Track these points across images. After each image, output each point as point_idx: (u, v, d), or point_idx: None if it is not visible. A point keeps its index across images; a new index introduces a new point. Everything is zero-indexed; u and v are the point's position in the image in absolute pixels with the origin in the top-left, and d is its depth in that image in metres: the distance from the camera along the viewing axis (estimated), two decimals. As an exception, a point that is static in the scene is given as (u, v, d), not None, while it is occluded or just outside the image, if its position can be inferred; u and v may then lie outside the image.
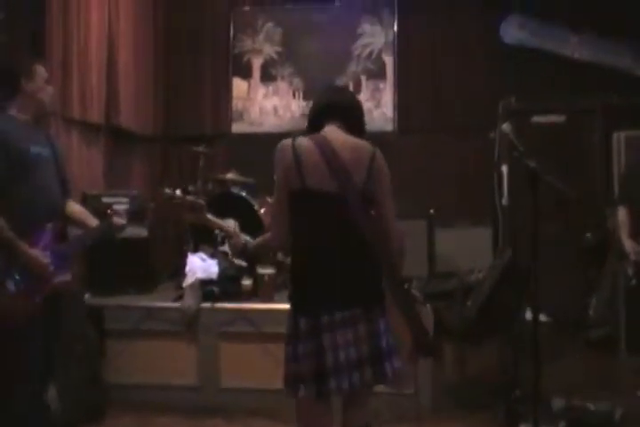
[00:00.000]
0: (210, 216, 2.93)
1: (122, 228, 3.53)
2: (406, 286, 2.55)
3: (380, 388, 2.60)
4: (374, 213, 2.51)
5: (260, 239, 2.71)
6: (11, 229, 3.05)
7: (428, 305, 2.66)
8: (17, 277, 3.07)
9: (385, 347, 2.43)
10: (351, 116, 2.65)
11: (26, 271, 3.09)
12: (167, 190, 3.02)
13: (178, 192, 3.02)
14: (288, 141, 2.50)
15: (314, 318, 2.39)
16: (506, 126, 3.75)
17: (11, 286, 3.06)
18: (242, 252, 2.89)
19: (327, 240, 2.45)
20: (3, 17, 4.45)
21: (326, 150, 2.45)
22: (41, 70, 3.34)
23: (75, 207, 3.55)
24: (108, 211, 3.58)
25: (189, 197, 3.01)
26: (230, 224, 3.05)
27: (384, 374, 2.42)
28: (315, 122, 2.64)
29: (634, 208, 4.15)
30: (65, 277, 3.26)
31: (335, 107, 2.64)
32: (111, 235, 3.55)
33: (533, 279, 3.42)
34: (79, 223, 3.47)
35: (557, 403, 3.93)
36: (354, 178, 2.44)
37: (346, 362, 2.37)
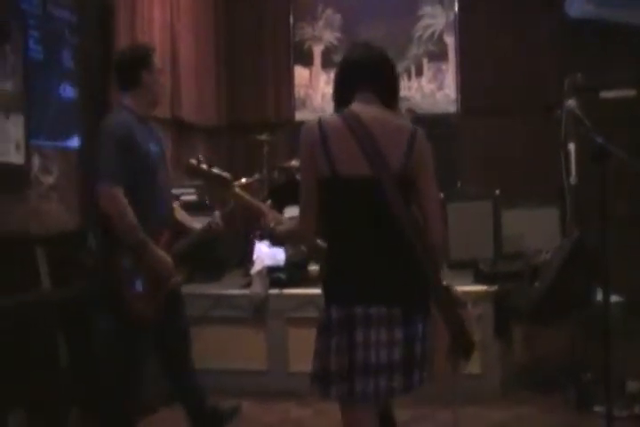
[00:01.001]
0: (238, 191, 2.76)
1: (220, 230, 3.53)
2: (448, 285, 2.28)
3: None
4: (415, 201, 2.25)
5: (287, 227, 2.52)
6: None
7: (469, 305, 2.37)
8: (144, 278, 3.12)
9: (419, 355, 2.19)
10: (383, 78, 2.33)
11: (151, 272, 3.12)
12: (192, 161, 2.92)
13: (203, 165, 2.89)
14: (314, 121, 2.22)
15: (347, 307, 2.16)
16: (571, 102, 3.69)
17: (139, 286, 3.12)
18: (269, 235, 2.83)
19: (363, 232, 2.21)
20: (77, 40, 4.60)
21: (357, 130, 2.16)
22: (157, 61, 3.29)
23: (180, 211, 3.56)
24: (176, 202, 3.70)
25: (215, 170, 2.86)
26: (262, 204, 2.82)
27: (412, 383, 2.20)
28: (342, 91, 2.33)
29: None
30: (178, 277, 3.30)
31: (363, 68, 2.31)
32: (211, 237, 3.62)
33: (603, 259, 3.31)
34: (183, 226, 3.47)
35: (632, 386, 3.85)
36: (390, 161, 2.16)
37: (376, 364, 2.14)
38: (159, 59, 3.42)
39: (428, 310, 2.20)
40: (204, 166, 2.90)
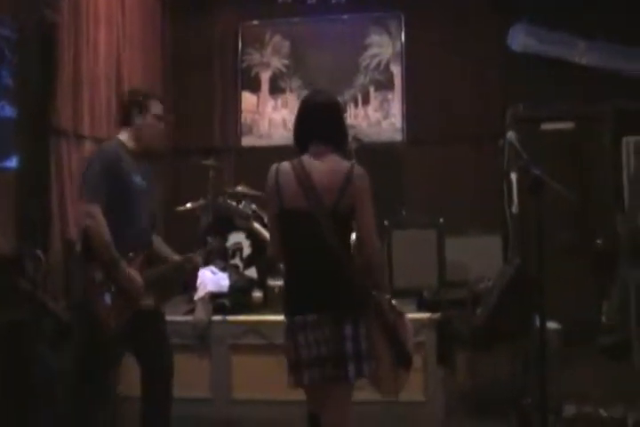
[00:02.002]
0: (254, 224, 3.66)
1: (197, 266, 3.83)
2: (385, 297, 2.78)
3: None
4: (356, 227, 2.76)
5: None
6: None
7: (407, 316, 2.85)
8: (113, 292, 3.28)
9: (350, 350, 2.65)
10: (332, 130, 2.85)
11: (121, 288, 3.28)
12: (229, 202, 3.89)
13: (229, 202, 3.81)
14: (274, 167, 2.80)
15: (291, 317, 2.74)
16: (511, 135, 3.75)
17: (107, 298, 3.27)
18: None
19: (304, 253, 2.73)
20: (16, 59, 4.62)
21: (300, 175, 2.69)
22: (155, 106, 3.51)
23: (159, 241, 3.72)
24: None
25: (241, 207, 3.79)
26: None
27: (345, 374, 2.65)
28: (299, 142, 2.89)
29: None
30: (150, 301, 3.41)
31: (310, 131, 2.84)
32: (186, 271, 3.79)
33: (540, 287, 3.38)
34: (161, 256, 3.65)
35: (569, 410, 3.92)
36: (324, 199, 2.67)
37: (314, 358, 2.68)
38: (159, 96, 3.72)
39: (355, 314, 2.67)
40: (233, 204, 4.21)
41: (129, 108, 3.49)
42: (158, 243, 3.69)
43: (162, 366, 3.64)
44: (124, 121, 3.52)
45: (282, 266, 3.03)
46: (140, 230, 3.44)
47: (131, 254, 3.34)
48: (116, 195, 3.30)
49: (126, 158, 3.42)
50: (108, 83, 5.71)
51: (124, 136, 3.51)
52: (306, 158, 2.77)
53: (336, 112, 2.89)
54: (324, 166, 2.73)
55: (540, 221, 3.36)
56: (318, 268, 2.69)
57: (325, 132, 2.81)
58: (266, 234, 3.68)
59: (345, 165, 2.76)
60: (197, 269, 3.90)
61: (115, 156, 3.38)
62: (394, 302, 2.82)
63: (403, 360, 2.77)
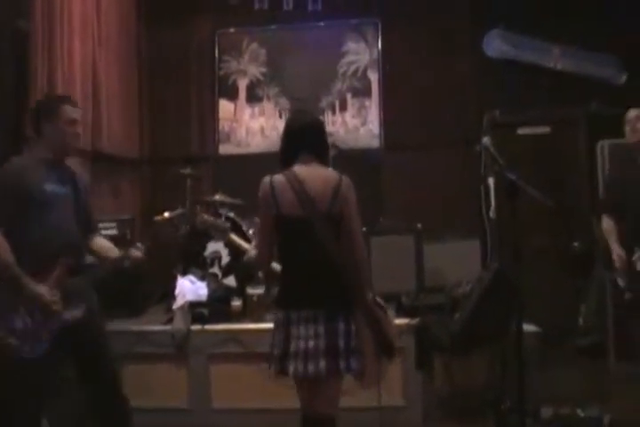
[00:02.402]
0: (232, 236, 3.69)
1: (139, 260, 3.63)
2: (370, 294, 3.01)
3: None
4: (344, 230, 2.98)
5: (250, 258, 3.34)
6: (21, 266, 3.12)
7: (389, 310, 3.16)
8: (23, 313, 3.13)
9: (342, 346, 2.87)
10: (318, 143, 3.12)
11: (34, 308, 3.15)
12: (205, 216, 3.76)
13: (205, 216, 3.77)
14: (267, 179, 3.00)
15: (286, 311, 2.94)
16: (486, 140, 3.77)
17: (18, 322, 3.13)
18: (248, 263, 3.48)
19: (299, 254, 2.98)
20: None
21: (295, 185, 2.94)
22: (66, 112, 3.37)
23: (100, 243, 3.62)
24: None
25: (218, 221, 3.83)
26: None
27: (337, 368, 2.85)
28: (287, 155, 3.10)
29: (616, 216, 4.10)
30: (77, 311, 3.29)
31: (302, 138, 3.09)
32: (125, 267, 3.75)
33: (517, 290, 3.41)
34: (100, 256, 3.59)
35: (546, 412, 3.94)
36: (317, 205, 2.93)
37: (305, 351, 2.85)
38: (80, 98, 3.69)
39: (347, 311, 2.91)
40: (210, 218, 3.78)
41: (37, 118, 3.39)
42: (99, 245, 3.59)
43: (106, 380, 3.48)
44: (35, 131, 3.42)
45: (267, 272, 3.39)
46: (63, 240, 3.29)
47: (61, 260, 3.23)
48: (22, 210, 3.19)
49: (34, 170, 3.29)
50: (84, 92, 5.69)
51: (36, 146, 3.43)
52: (297, 168, 3.01)
53: (321, 130, 3.18)
54: (315, 175, 2.99)
55: (516, 226, 3.38)
56: (313, 268, 2.94)
57: (313, 149, 3.08)
58: (245, 245, 3.65)
59: (334, 174, 3.03)
60: (139, 262, 3.60)
61: (13, 175, 3.25)
62: (377, 298, 3.06)
63: (386, 351, 3.01)
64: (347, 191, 2.99)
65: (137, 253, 3.59)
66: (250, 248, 3.52)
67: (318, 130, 3.16)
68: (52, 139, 3.36)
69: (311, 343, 2.86)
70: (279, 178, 2.99)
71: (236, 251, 5.05)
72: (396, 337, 3.08)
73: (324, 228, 2.92)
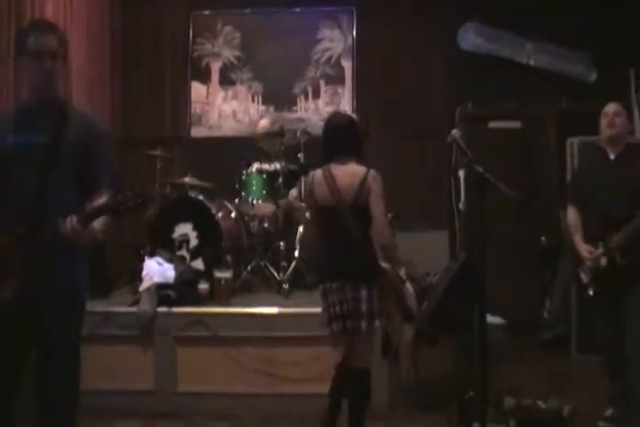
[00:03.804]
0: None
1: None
2: (395, 269, 3.53)
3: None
4: (371, 216, 3.46)
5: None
6: None
7: (409, 283, 3.64)
8: None
9: (364, 311, 3.39)
10: (348, 149, 3.57)
11: None
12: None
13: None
14: (311, 173, 3.61)
15: (323, 284, 3.52)
16: (455, 132, 3.76)
17: None
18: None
19: (331, 237, 3.55)
20: None
21: (328, 179, 3.47)
22: (28, 43, 2.75)
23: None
24: None
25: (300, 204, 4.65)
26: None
27: (359, 327, 3.40)
28: (327, 153, 3.60)
29: (581, 207, 4.11)
30: (5, 290, 2.67)
31: (333, 149, 3.58)
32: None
33: (481, 282, 3.45)
34: None
35: (508, 402, 4.00)
36: (344, 197, 3.43)
37: (340, 313, 3.42)
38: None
39: (369, 282, 3.42)
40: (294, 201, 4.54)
41: (15, 53, 2.86)
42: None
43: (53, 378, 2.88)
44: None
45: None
46: (15, 201, 2.73)
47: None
48: None
49: (5, 119, 2.81)
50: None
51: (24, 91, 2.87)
52: (333, 165, 3.52)
53: (352, 129, 3.60)
54: (345, 172, 3.49)
55: (482, 218, 3.40)
56: (341, 248, 3.47)
57: (346, 146, 3.56)
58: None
59: (362, 169, 3.50)
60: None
61: None
62: (402, 273, 3.59)
63: (406, 316, 3.59)
64: (372, 184, 3.45)
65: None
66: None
67: (351, 132, 3.60)
68: (26, 78, 2.88)
69: (343, 308, 3.41)
70: (319, 173, 3.54)
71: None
72: (414, 305, 3.63)
73: (349, 215, 3.42)
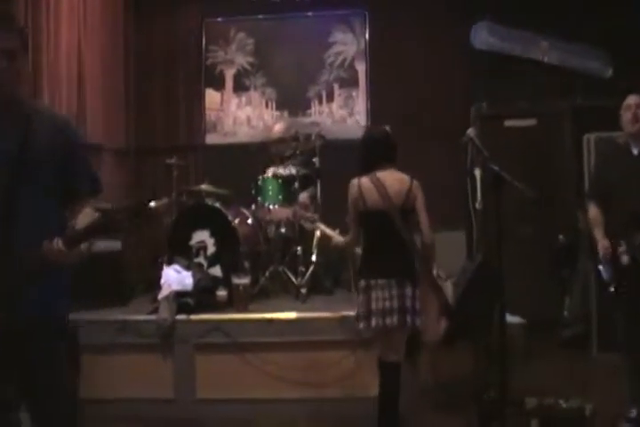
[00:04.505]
0: (320, 225, 4.35)
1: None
2: (434, 270, 3.86)
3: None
4: (415, 220, 3.76)
5: (344, 239, 4.01)
6: None
7: (448, 281, 3.95)
8: None
9: (409, 306, 3.63)
10: (391, 153, 3.87)
11: None
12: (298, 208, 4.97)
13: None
14: (355, 181, 3.77)
15: (367, 280, 3.70)
16: (470, 131, 3.78)
17: None
18: (334, 247, 4.21)
19: (379, 238, 3.76)
20: None
21: (377, 185, 3.71)
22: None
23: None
24: None
25: (308, 213, 4.72)
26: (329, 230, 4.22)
27: (405, 322, 3.62)
28: (367, 164, 3.83)
29: (604, 204, 4.04)
30: None
31: (378, 157, 3.83)
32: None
33: (500, 282, 3.41)
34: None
35: (530, 402, 3.96)
36: (394, 201, 3.70)
37: (382, 309, 3.63)
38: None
39: (413, 280, 3.67)
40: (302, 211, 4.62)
41: None
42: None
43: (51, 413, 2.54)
44: None
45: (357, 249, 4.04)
46: None
47: None
48: None
49: None
50: (69, 81, 5.66)
51: None
52: (379, 173, 3.77)
53: (392, 142, 3.89)
54: (393, 178, 3.77)
55: (499, 217, 3.38)
56: (389, 247, 3.72)
57: (387, 156, 3.84)
58: (331, 233, 4.19)
59: (406, 176, 3.80)
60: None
61: None
62: (440, 272, 3.90)
63: (445, 312, 3.84)
64: (416, 191, 3.78)
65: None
66: (335, 235, 4.14)
67: (389, 142, 3.90)
68: None
69: (387, 303, 3.62)
70: (365, 180, 3.76)
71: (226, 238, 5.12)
72: (450, 303, 3.88)
73: (398, 218, 3.69)
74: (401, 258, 3.75)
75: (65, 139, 2.57)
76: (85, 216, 2.50)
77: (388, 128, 3.99)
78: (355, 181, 3.81)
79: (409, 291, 3.67)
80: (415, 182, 3.82)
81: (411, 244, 3.75)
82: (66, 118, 2.79)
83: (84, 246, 2.37)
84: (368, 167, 3.85)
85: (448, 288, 3.92)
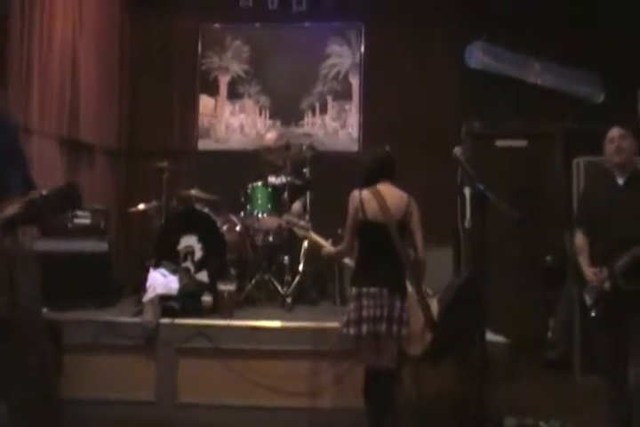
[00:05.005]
0: (312, 233, 4.39)
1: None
2: (423, 286, 3.94)
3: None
4: (409, 238, 3.89)
5: (337, 248, 4.10)
6: None
7: (435, 298, 4.01)
8: None
9: (396, 316, 3.72)
10: (388, 175, 3.98)
11: None
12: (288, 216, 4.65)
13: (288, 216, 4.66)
14: (357, 193, 3.88)
15: (359, 288, 3.79)
16: (457, 150, 3.78)
17: None
18: (327, 256, 4.30)
19: (375, 249, 3.86)
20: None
21: (378, 198, 3.84)
22: None
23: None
24: None
25: (301, 221, 4.57)
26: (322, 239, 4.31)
27: (392, 331, 3.71)
28: (369, 180, 3.96)
29: (589, 231, 4.11)
30: None
31: (379, 174, 3.98)
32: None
33: (482, 300, 3.45)
34: None
35: (509, 422, 3.98)
36: (393, 214, 3.82)
37: (373, 316, 3.71)
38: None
39: (403, 293, 3.79)
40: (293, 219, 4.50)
41: None
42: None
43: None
44: None
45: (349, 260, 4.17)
46: None
47: None
48: None
49: None
50: (62, 77, 5.65)
51: None
52: (380, 187, 3.91)
53: (392, 161, 4.06)
54: (392, 193, 3.91)
55: (483, 235, 3.41)
56: (383, 259, 3.81)
57: (388, 175, 3.97)
58: (322, 242, 4.27)
59: (404, 194, 3.94)
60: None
61: None
62: (427, 289, 3.98)
63: (430, 326, 3.87)
64: (413, 207, 3.92)
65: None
66: (326, 244, 4.24)
67: (390, 162, 4.06)
68: None
69: (377, 311, 3.71)
70: (366, 193, 3.89)
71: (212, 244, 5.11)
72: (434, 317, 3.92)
73: (395, 231, 3.81)
74: (393, 270, 3.85)
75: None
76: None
77: (388, 148, 4.15)
78: (356, 193, 3.93)
79: (398, 302, 3.76)
80: (412, 199, 3.97)
81: (405, 258, 3.85)
82: None
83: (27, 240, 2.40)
84: (369, 182, 3.99)
85: (434, 305, 3.98)
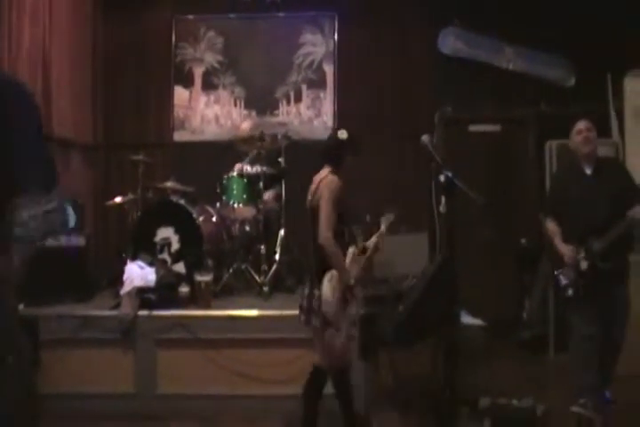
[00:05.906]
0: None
1: None
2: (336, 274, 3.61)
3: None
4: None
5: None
6: None
7: (358, 288, 3.80)
8: None
9: (315, 306, 3.56)
10: (327, 160, 3.82)
11: None
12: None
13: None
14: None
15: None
16: (425, 138, 3.79)
17: None
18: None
19: (311, 236, 3.68)
20: None
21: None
22: None
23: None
24: None
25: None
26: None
27: (309, 321, 3.61)
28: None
29: (559, 219, 4.23)
30: None
31: (322, 159, 3.84)
32: None
33: (455, 283, 3.51)
34: None
35: (484, 402, 4.05)
36: (310, 199, 3.73)
37: (300, 306, 3.68)
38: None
39: (319, 280, 3.56)
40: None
41: None
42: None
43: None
44: None
45: None
46: None
47: None
48: None
49: None
50: (32, 73, 5.63)
51: None
52: (319, 173, 3.80)
53: (333, 145, 3.84)
54: (316, 177, 3.78)
55: (453, 220, 3.49)
56: (312, 244, 3.66)
57: (327, 159, 3.81)
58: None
59: (323, 174, 3.74)
60: None
61: None
62: (351, 280, 3.65)
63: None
64: (323, 187, 3.66)
65: None
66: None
67: (331, 145, 3.86)
68: None
69: (303, 301, 3.67)
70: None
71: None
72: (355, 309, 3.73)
73: (310, 216, 3.69)
74: (315, 259, 3.70)
75: (8, 106, 2.00)
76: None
77: (342, 132, 3.90)
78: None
79: (316, 291, 3.60)
80: (327, 178, 3.71)
81: (318, 246, 3.62)
82: (16, 81, 2.17)
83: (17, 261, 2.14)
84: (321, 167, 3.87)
85: (354, 296, 3.71)
